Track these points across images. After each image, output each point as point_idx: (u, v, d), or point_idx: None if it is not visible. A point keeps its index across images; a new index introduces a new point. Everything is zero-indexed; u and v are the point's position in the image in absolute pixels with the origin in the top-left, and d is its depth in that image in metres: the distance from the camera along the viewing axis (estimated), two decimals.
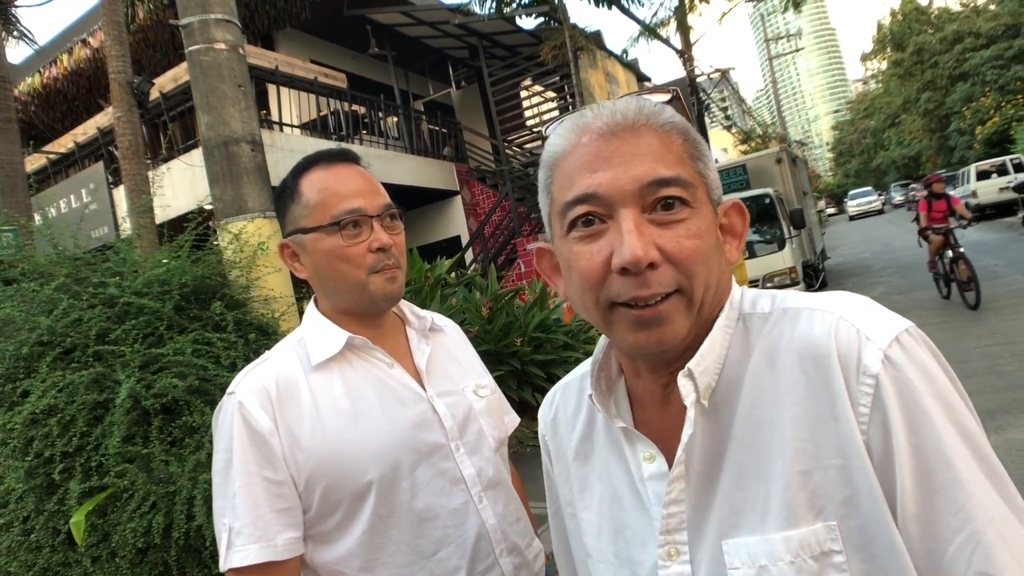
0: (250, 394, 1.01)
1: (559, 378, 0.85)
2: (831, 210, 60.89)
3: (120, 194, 6.86)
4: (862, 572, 0.52)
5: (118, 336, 3.15)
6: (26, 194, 6.38)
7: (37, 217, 9.01)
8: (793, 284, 9.13)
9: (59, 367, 3.09)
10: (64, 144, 9.85)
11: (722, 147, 33.69)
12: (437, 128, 11.76)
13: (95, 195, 8.56)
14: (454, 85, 13.48)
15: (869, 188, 38.69)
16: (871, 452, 0.52)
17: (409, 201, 11.12)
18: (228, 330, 3.25)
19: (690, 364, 0.59)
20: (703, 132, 15.69)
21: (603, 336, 0.70)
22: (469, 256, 10.57)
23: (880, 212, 34.18)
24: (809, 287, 10.32)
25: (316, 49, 11.24)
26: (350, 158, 1.14)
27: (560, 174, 0.63)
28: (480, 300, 5.59)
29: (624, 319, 0.59)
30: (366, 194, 1.08)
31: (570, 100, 9.70)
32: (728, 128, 24.11)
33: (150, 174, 8.68)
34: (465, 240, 10.91)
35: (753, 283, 8.94)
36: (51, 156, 10.08)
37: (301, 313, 4.37)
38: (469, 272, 6.23)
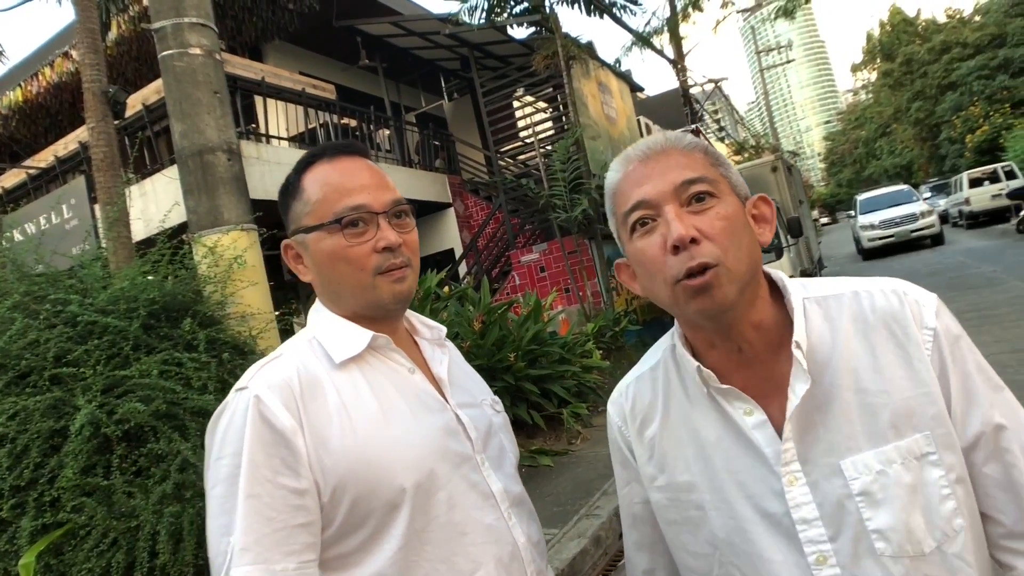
0: (269, 389, 0.88)
1: (555, 394, 1.19)
2: (824, 220, 61.10)
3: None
4: (947, 463, 0.74)
5: (79, 357, 2.93)
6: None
7: (16, 234, 8.80)
8: None
9: (13, 392, 2.87)
10: (44, 159, 9.64)
11: None
12: (429, 140, 11.61)
13: (76, 210, 8.35)
14: (446, 97, 13.36)
15: (903, 188, 18.77)
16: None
17: None
18: (200, 350, 3.04)
19: (795, 338, 0.78)
20: None
21: (666, 336, 0.93)
22: (464, 269, 10.38)
23: (937, 238, 15.89)
24: None
25: (305, 61, 11.10)
26: (356, 150, 1.04)
27: (619, 195, 0.84)
28: (472, 314, 5.38)
29: (685, 292, 0.76)
30: (371, 189, 0.99)
31: (563, 110, 9.55)
32: (721, 139, 24.12)
33: (134, 187, 8.50)
34: (459, 253, 10.73)
35: None
36: (31, 171, 9.85)
37: (283, 331, 4.15)
38: (461, 286, 6.01)
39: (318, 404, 0.90)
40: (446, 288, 6.86)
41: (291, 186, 1.03)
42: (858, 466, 0.74)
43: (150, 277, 3.28)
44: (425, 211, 10.99)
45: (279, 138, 8.76)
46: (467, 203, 11.42)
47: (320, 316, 1.03)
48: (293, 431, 0.86)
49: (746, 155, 18.87)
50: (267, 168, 7.49)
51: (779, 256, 9.06)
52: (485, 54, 10.68)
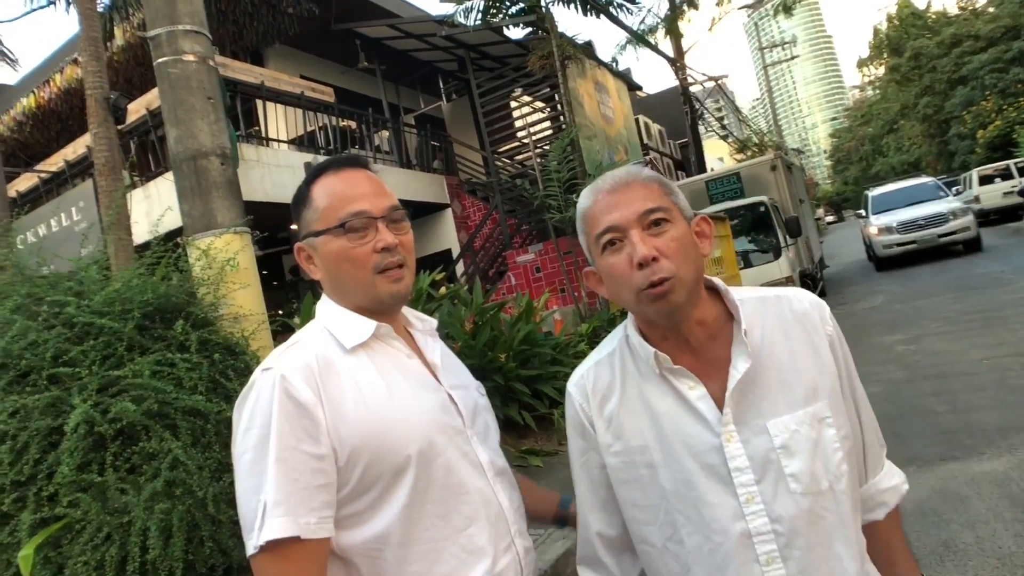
0: (292, 369, 1.01)
1: (546, 395, 1.44)
2: (830, 218, 60.63)
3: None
4: (838, 424, 0.98)
5: (76, 357, 3.03)
6: (7, 213, 6.30)
7: (30, 236, 8.93)
8: None
9: (14, 391, 2.96)
10: (55, 163, 9.80)
11: (718, 156, 33.25)
12: (427, 141, 11.70)
13: (85, 213, 8.49)
14: (444, 98, 13.45)
15: (925, 181, 15.32)
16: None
17: None
18: (192, 351, 3.13)
19: (744, 326, 0.99)
20: (696, 141, 15.66)
21: (618, 329, 1.14)
22: (461, 268, 10.48)
23: (972, 243, 12.93)
24: None
25: (306, 65, 11.22)
26: (359, 163, 1.19)
27: (591, 220, 1.03)
28: (464, 314, 5.47)
29: (648, 298, 0.96)
30: (371, 197, 1.13)
31: (560, 110, 9.61)
32: (724, 138, 24.07)
33: (139, 191, 8.63)
34: (457, 253, 10.81)
35: None
36: (42, 175, 10.02)
37: (275, 333, 4.23)
38: (453, 286, 6.10)
39: (334, 382, 1.04)
40: (443, 288, 6.95)
41: (302, 196, 1.17)
42: (779, 427, 0.97)
43: (143, 280, 3.37)
44: (423, 212, 11.08)
45: (279, 141, 8.88)
46: (464, 204, 11.51)
47: (329, 309, 1.17)
48: (314, 404, 0.99)
49: (749, 153, 18.86)
50: (267, 171, 7.60)
51: (777, 256, 9.07)
52: (482, 55, 10.77)
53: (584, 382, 1.13)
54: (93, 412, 2.76)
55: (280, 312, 5.63)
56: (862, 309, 9.64)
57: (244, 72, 7.75)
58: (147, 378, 2.88)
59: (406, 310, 1.26)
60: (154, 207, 7.84)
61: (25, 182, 10.52)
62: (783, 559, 0.94)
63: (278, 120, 8.83)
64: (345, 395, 1.03)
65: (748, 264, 9.07)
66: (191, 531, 2.80)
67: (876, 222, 13.60)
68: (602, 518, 1.13)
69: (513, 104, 10.54)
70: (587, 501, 1.14)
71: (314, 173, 1.18)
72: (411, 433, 1.05)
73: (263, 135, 8.68)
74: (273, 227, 9.66)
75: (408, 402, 1.08)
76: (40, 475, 2.87)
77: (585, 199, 1.05)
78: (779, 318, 1.03)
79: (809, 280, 10.74)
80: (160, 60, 3.75)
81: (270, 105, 8.62)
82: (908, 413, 4.65)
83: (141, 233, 5.73)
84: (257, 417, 0.99)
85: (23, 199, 10.19)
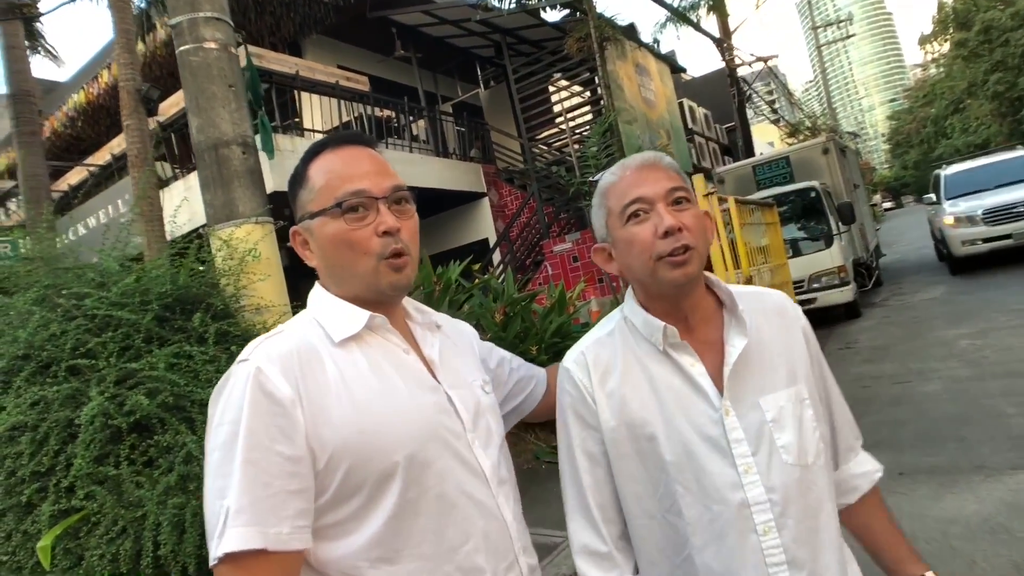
0: (269, 361, 0.93)
1: None
2: (887, 204, 58.17)
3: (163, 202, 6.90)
4: (814, 405, 1.08)
5: (95, 349, 3.01)
6: (49, 205, 6.47)
7: (81, 228, 9.17)
8: (843, 284, 8.47)
9: (36, 382, 2.97)
10: (103, 157, 10.07)
11: (767, 141, 32.00)
12: (463, 129, 11.57)
13: (129, 205, 8.68)
14: (482, 85, 13.28)
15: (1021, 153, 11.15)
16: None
17: (436, 204, 10.97)
18: (210, 343, 3.08)
19: (741, 307, 1.07)
20: (744, 125, 15.09)
21: (614, 313, 1.20)
22: (498, 257, 10.34)
23: None
24: (861, 287, 9.64)
25: (342, 54, 11.20)
26: (361, 140, 1.10)
27: (616, 193, 1.08)
28: (495, 305, 5.33)
29: (668, 265, 1.02)
30: (372, 175, 1.04)
31: (598, 94, 9.31)
32: (775, 122, 23.20)
33: (180, 182, 8.78)
34: (494, 243, 10.68)
35: (798, 283, 8.36)
36: (91, 169, 10.33)
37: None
38: (486, 277, 5.96)
39: (316, 377, 0.94)
40: (476, 281, 6.83)
41: (298, 175, 1.08)
42: (770, 402, 1.04)
43: (163, 271, 3.34)
44: (460, 201, 10.98)
45: (316, 131, 8.89)
46: (502, 192, 11.36)
47: (320, 298, 1.08)
48: (291, 401, 0.90)
49: (801, 137, 18.13)
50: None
51: (828, 244, 8.61)
52: (518, 39, 10.55)
53: (583, 359, 1.14)
54: (108, 405, 2.74)
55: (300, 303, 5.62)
56: (921, 300, 9.10)
57: (279, 62, 7.75)
58: (163, 371, 2.85)
59: (406, 301, 1.17)
60: (196, 199, 7.93)
61: (76, 175, 10.86)
62: (778, 528, 0.99)
63: (314, 110, 8.83)
64: (328, 391, 0.94)
65: (797, 252, 8.63)
66: (205, 527, 2.76)
67: (952, 209, 10.04)
68: (598, 496, 1.11)
69: (551, 89, 10.29)
70: (585, 481, 1.12)
71: (312, 151, 1.09)
72: (401, 436, 0.95)
73: (300, 126, 8.70)
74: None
75: (401, 401, 0.99)
76: (59, 467, 2.87)
77: (611, 175, 1.10)
78: (761, 308, 1.12)
79: (863, 269, 10.20)
80: (182, 48, 3.70)
81: (306, 96, 8.63)
82: (974, 416, 4.28)
83: (184, 224, 5.79)
84: (228, 413, 0.90)
85: (75, 192, 10.53)
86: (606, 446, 1.09)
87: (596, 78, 9.17)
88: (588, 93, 10.16)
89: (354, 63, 11.05)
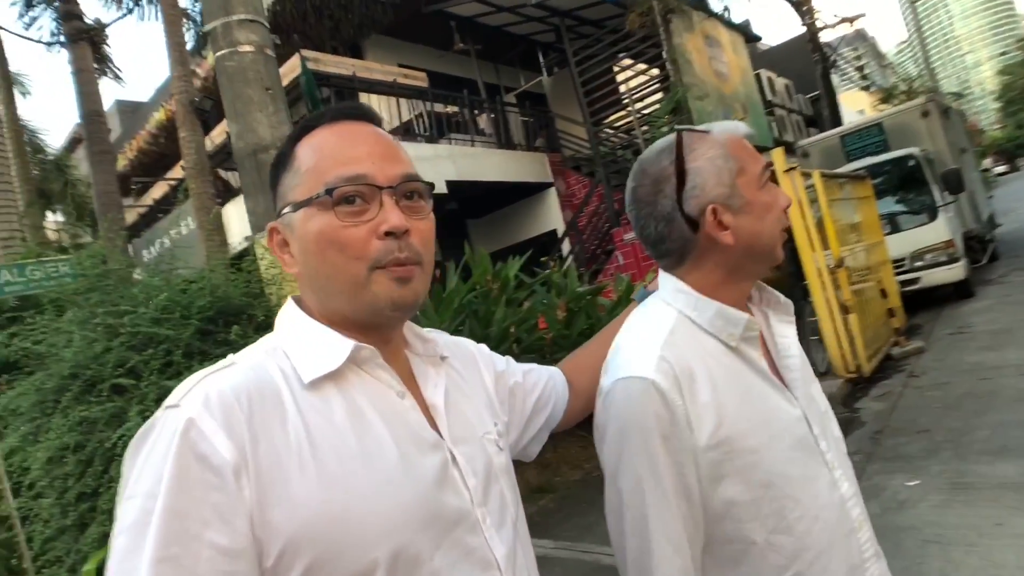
0: (207, 408, 0.67)
1: None
2: (1000, 168, 53.24)
3: (229, 215, 7.07)
4: None
5: (137, 366, 2.97)
6: (120, 220, 6.71)
7: (166, 242, 9.57)
8: (952, 261, 7.57)
9: (83, 401, 2.96)
10: (178, 172, 10.51)
11: (857, 109, 29.58)
12: (528, 119, 11.29)
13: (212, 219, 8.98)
14: (545, 72, 12.93)
15: None
16: None
17: (501, 198, 10.75)
18: None
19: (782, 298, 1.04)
20: (829, 93, 13.96)
21: (655, 308, 1.00)
22: (567, 247, 10.00)
23: None
24: (974, 263, 8.63)
25: (402, 52, 11.16)
26: (364, 114, 0.85)
27: (747, 150, 0.96)
28: (558, 301, 5.03)
29: (781, 238, 0.97)
30: (376, 158, 0.79)
31: (667, 69, 8.74)
32: (866, 88, 21.49)
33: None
34: (562, 234, 10.35)
35: (898, 262, 7.56)
36: (171, 183, 10.80)
37: None
38: (547, 272, 5.66)
39: (273, 432, 0.69)
40: (552, 267, 6.54)
41: (283, 156, 0.84)
42: (815, 392, 0.99)
43: (202, 284, 3.28)
44: (526, 193, 10.72)
45: None
46: (569, 181, 11.00)
47: (292, 319, 0.81)
48: (234, 468, 0.65)
49: (895, 102, 16.65)
50: None
51: (932, 217, 7.74)
52: (578, 20, 10.13)
53: (668, 366, 0.89)
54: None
55: None
56: None
57: (335, 64, 7.74)
58: None
59: (406, 327, 0.90)
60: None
61: (159, 190, 11.39)
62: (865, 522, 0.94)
63: (378, 110, 8.79)
64: (288, 453, 0.68)
65: (895, 228, 7.81)
66: None
67: None
68: (695, 537, 0.89)
69: (616, 69, 9.82)
70: (684, 534, 0.88)
71: (303, 126, 0.84)
72: (386, 522, 0.69)
73: None
74: None
75: (387, 468, 0.72)
76: (102, 488, 2.83)
77: (736, 129, 0.96)
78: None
79: (976, 243, 9.14)
80: (218, 54, 3.62)
81: (368, 96, 8.61)
82: None
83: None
84: (144, 482, 0.64)
85: (159, 206, 11.05)
86: (700, 471, 0.88)
87: (662, 54, 8.63)
88: (655, 71, 9.59)
89: (414, 60, 10.99)
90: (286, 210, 0.80)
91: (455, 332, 4.69)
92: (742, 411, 0.89)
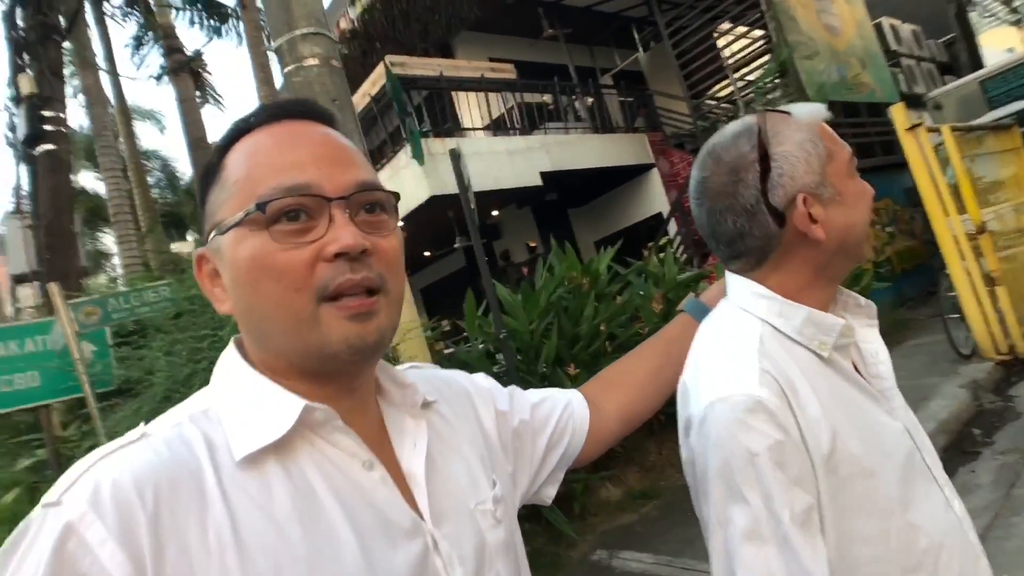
0: (93, 507, 0.52)
1: None
2: None
3: None
4: None
5: None
6: None
7: None
8: None
9: None
10: None
11: (1006, 48, 25.77)
12: (624, 100, 10.90)
13: None
14: (640, 48, 12.41)
15: None
16: None
17: (602, 184, 10.48)
18: None
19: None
20: (966, 34, 12.29)
21: (726, 321, 0.88)
22: (674, 229, 9.56)
23: None
24: None
25: (492, 46, 11.15)
26: (311, 113, 0.69)
27: (832, 136, 0.85)
28: (655, 291, 4.77)
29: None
30: (323, 163, 0.63)
31: (769, 30, 8.04)
32: (1016, 22, 18.82)
33: (382, 173, 9.41)
34: (667, 216, 9.91)
35: None
36: None
37: (455, 337, 4.07)
38: (641, 262, 5.40)
39: (187, 533, 0.54)
40: (647, 254, 6.27)
41: (210, 167, 0.69)
42: (900, 401, 0.88)
43: None
44: (627, 176, 10.37)
45: (472, 129, 8.92)
46: (672, 160, 10.49)
47: (228, 369, 0.67)
48: None
49: None
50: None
51: None
52: None
53: (771, 379, 0.76)
54: None
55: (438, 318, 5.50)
56: None
57: (421, 67, 7.85)
58: None
59: (381, 367, 0.75)
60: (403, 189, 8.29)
61: None
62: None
63: (471, 108, 8.85)
64: (205, 561, 0.53)
65: None
66: None
67: None
68: None
69: (714, 36, 9.20)
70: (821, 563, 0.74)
71: (234, 130, 0.69)
72: None
73: (459, 125, 8.77)
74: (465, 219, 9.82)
75: (344, 574, 0.58)
76: None
77: (819, 111, 0.85)
78: None
79: None
80: (285, 71, 3.72)
81: (462, 94, 8.68)
82: None
83: None
84: None
85: None
86: (821, 507, 0.74)
87: (762, 13, 7.95)
88: (758, 32, 8.87)
89: (504, 52, 10.95)
90: (213, 233, 0.65)
91: (543, 332, 4.54)
92: (852, 428, 0.78)
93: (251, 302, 0.63)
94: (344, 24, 10.43)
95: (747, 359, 0.78)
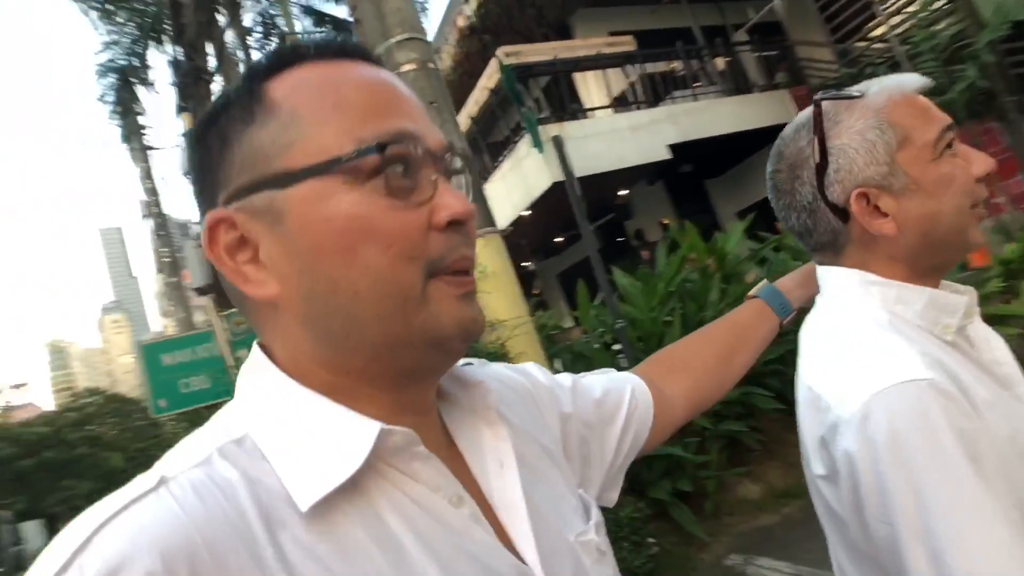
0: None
1: None
2: None
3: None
4: None
5: None
6: None
7: None
8: None
9: None
10: None
11: None
12: (761, 54, 9.99)
13: None
14: None
15: None
16: None
17: (740, 150, 9.72)
18: None
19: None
20: None
21: (853, 306, 0.79)
22: None
23: None
24: None
25: (612, 19, 10.71)
26: (368, 56, 0.55)
27: (915, 111, 0.77)
28: (793, 267, 4.30)
29: (975, 216, 0.78)
30: (418, 113, 0.52)
31: None
32: None
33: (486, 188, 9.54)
34: None
35: None
36: None
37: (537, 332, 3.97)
38: (778, 235, 4.88)
39: None
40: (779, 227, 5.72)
41: (237, 99, 0.51)
42: None
43: None
44: (767, 139, 9.47)
45: (593, 109, 8.68)
46: None
47: (266, 384, 0.51)
48: None
49: None
50: (574, 144, 7.43)
51: None
52: None
53: (933, 363, 0.70)
54: None
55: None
56: None
57: (536, 53, 7.74)
58: None
59: None
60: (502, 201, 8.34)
61: None
62: None
63: (591, 88, 8.62)
64: None
65: None
66: None
67: None
68: None
69: None
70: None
71: (271, 61, 0.52)
72: None
73: (582, 108, 8.57)
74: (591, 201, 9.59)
75: None
76: None
77: (903, 83, 0.79)
78: None
79: None
80: None
81: (579, 76, 8.48)
82: None
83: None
84: None
85: None
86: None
87: None
88: None
89: (625, 24, 10.49)
90: (260, 188, 0.49)
91: (665, 320, 4.29)
92: (999, 415, 0.70)
93: (338, 276, 0.47)
94: (461, 22, 10.61)
95: (895, 345, 0.71)
